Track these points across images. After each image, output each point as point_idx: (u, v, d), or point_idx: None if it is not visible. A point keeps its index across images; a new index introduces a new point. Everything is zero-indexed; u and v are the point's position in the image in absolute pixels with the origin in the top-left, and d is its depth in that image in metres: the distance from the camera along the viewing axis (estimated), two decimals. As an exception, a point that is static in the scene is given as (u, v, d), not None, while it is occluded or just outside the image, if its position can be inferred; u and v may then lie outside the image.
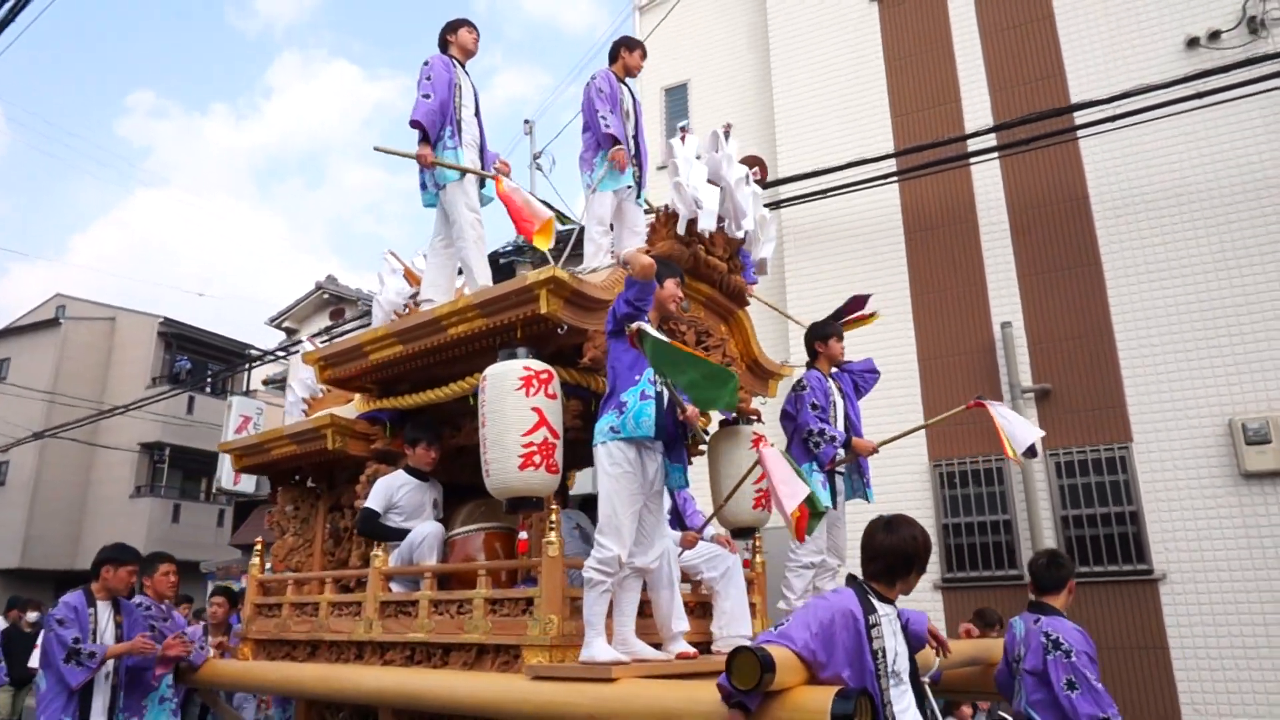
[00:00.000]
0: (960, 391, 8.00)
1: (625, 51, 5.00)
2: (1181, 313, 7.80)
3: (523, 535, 3.60)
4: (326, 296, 19.15)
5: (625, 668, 2.99)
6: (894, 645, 2.55)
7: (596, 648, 3.09)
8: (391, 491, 4.25)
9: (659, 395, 3.35)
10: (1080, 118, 8.20)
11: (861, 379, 4.69)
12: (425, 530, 4.02)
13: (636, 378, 3.29)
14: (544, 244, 3.95)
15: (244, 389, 22.55)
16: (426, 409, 4.43)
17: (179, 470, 24.52)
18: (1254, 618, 7.00)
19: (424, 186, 4.66)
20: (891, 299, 8.93)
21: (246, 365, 22.80)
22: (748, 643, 2.35)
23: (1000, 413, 3.99)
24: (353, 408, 4.92)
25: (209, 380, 24.96)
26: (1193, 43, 8.31)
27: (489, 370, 3.59)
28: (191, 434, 23.77)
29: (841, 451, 4.47)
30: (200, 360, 25.86)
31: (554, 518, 3.47)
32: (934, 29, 10.04)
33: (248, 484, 17.74)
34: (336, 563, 4.86)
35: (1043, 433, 3.95)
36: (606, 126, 4.63)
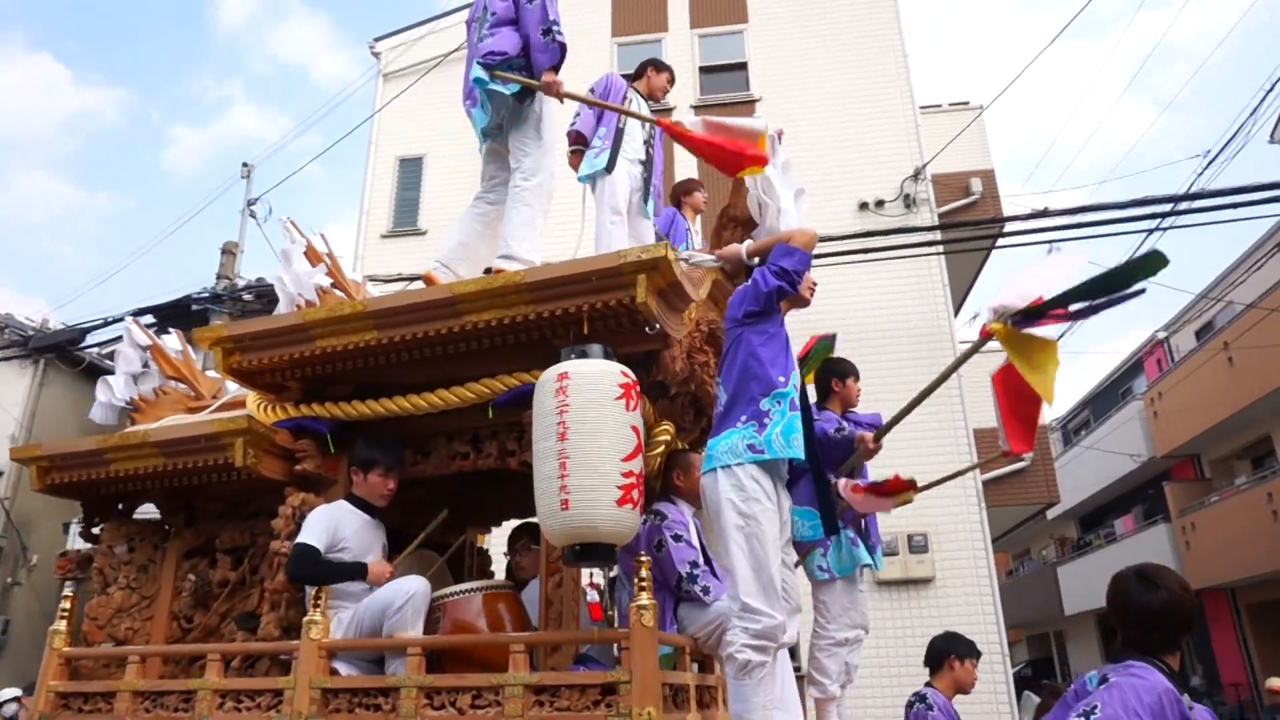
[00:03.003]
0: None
1: (652, 71, 4.61)
2: (840, 440, 9.06)
3: (592, 596, 2.64)
4: (-46, 319, 15.02)
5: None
6: None
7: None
8: (336, 524, 3.04)
9: (806, 406, 2.69)
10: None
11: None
12: (408, 588, 2.87)
13: (781, 379, 2.59)
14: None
15: None
16: (382, 423, 3.30)
17: None
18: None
19: (478, 104, 3.67)
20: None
21: None
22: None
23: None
24: (250, 410, 3.56)
25: None
26: (863, 206, 9.80)
27: (573, 368, 2.66)
28: None
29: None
30: None
31: (644, 572, 2.58)
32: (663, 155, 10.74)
33: None
34: (202, 632, 3.41)
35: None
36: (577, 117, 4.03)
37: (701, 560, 3.10)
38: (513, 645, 2.68)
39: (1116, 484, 20.62)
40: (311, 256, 4.26)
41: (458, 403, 3.11)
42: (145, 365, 4.39)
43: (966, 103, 12.12)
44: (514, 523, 4.58)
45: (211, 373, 4.73)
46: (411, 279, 9.22)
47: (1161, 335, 20.68)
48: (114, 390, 4.10)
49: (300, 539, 2.94)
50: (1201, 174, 16.24)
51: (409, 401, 3.18)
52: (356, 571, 2.97)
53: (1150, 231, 9.00)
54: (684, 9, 11.64)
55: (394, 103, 11.83)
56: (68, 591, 3.35)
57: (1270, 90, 8.63)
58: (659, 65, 4.53)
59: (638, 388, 2.74)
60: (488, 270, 3.43)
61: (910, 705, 3.59)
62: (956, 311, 11.40)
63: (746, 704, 2.36)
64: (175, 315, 10.76)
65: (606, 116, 3.97)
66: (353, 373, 3.37)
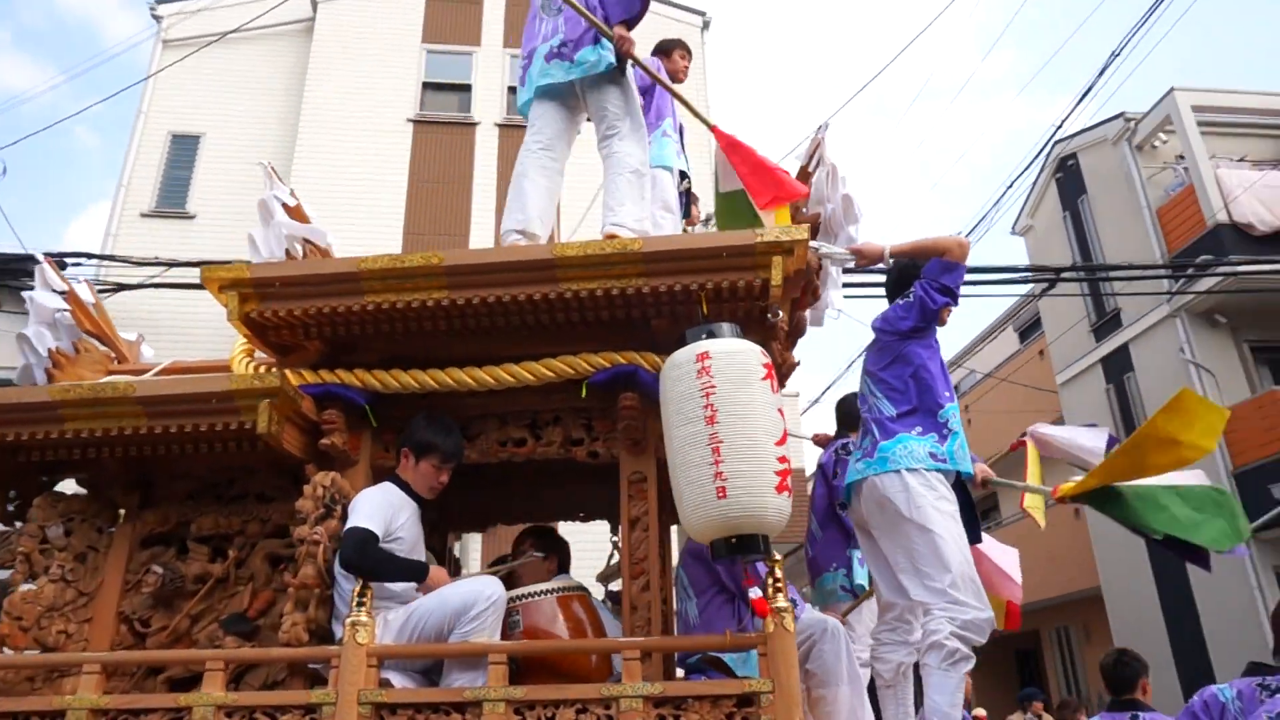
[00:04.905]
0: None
1: (662, 57, 4.33)
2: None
3: (755, 592, 2.39)
4: None
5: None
6: None
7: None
8: (392, 510, 2.59)
9: None
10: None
11: None
12: (490, 591, 2.46)
13: (947, 394, 2.57)
14: (783, 218, 2.93)
15: None
16: (419, 399, 2.87)
17: None
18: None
19: (568, 53, 3.27)
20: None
21: None
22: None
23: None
24: (236, 370, 2.98)
25: None
26: None
27: (714, 347, 2.43)
28: None
29: None
30: None
31: (779, 571, 2.38)
32: (458, 162, 10.79)
33: None
34: (168, 637, 2.75)
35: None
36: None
37: None
38: (627, 651, 2.37)
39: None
40: (297, 215, 3.76)
41: (532, 380, 2.76)
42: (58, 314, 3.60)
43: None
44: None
45: (129, 334, 3.98)
46: (172, 264, 8.19)
47: (916, 394, 23.16)
48: (38, 345, 3.30)
49: (357, 523, 2.46)
50: (953, 253, 19.02)
51: (470, 375, 2.78)
52: (417, 573, 2.53)
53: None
54: (499, 27, 11.77)
55: (173, 75, 10.76)
56: (-15, 582, 2.60)
57: (1009, 187, 10.29)
58: (664, 48, 4.30)
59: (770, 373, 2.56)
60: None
61: None
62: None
63: (950, 696, 2.28)
64: None
65: (671, 105, 3.79)
66: (392, 338, 2.91)
